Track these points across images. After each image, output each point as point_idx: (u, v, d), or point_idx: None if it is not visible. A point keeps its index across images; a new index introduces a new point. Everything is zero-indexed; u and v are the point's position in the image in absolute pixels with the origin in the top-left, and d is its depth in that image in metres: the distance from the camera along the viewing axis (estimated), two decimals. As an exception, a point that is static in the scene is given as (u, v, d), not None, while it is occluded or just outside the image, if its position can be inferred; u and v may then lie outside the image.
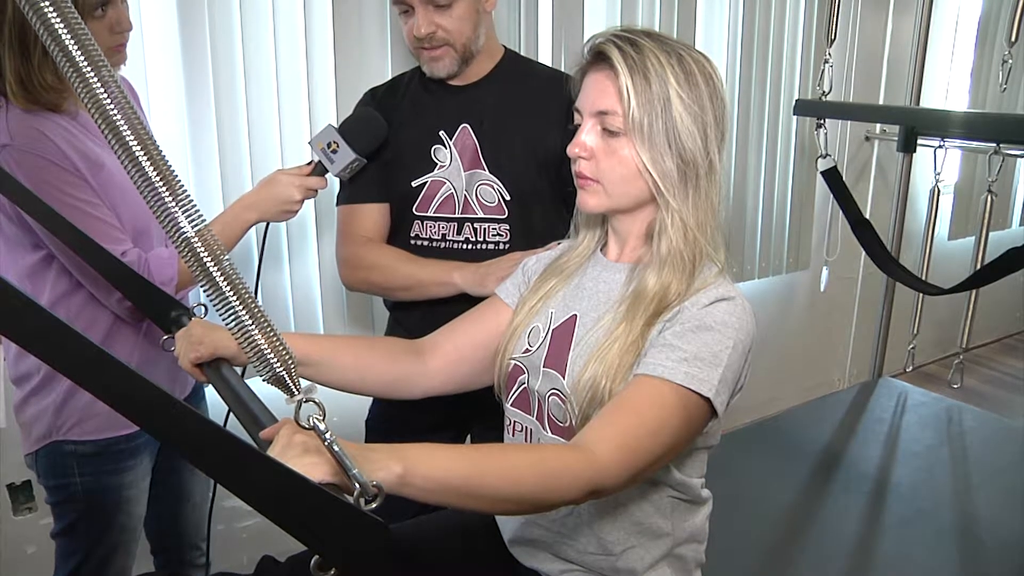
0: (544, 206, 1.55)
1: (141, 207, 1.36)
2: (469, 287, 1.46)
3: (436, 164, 1.54)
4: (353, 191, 1.61)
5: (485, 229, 1.55)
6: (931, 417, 2.55)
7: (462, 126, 1.54)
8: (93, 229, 1.22)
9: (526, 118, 1.53)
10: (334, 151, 1.43)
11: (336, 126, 1.47)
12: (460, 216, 1.55)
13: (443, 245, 1.57)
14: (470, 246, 1.56)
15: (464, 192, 1.54)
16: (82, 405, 1.37)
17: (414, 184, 1.55)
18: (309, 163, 1.47)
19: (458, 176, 1.54)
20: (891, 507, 2.05)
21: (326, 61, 1.96)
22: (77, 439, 1.39)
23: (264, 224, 1.46)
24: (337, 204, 1.64)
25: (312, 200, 1.96)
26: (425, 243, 1.58)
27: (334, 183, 1.62)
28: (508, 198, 1.53)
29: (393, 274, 1.54)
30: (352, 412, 1.74)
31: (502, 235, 1.55)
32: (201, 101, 1.84)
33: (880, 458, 2.29)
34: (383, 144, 1.55)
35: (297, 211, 1.45)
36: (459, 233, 1.56)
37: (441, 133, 1.54)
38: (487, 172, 1.53)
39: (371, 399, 1.74)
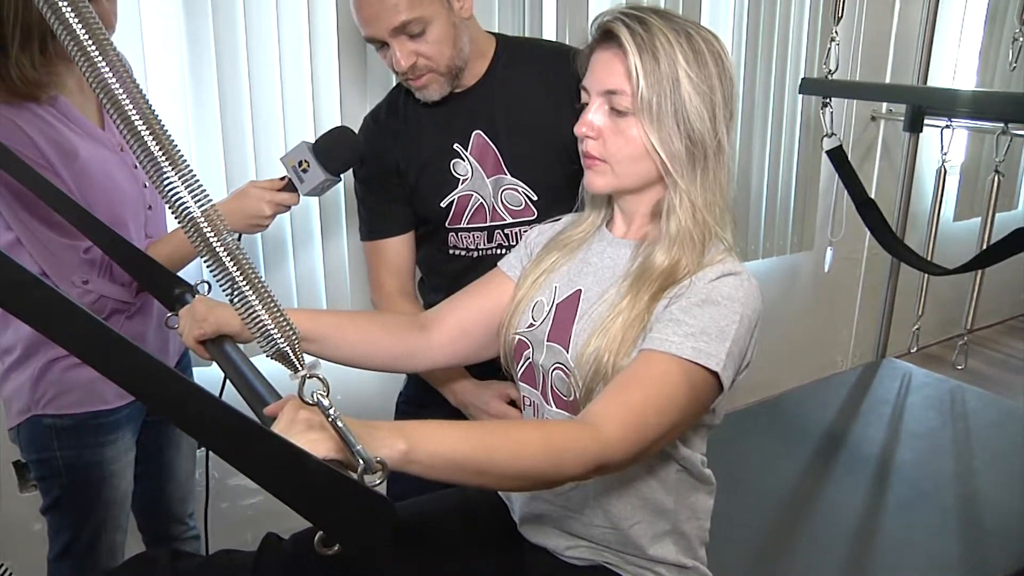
0: (572, 196, 1.49)
1: (117, 200, 1.35)
2: (458, 405, 1.55)
3: (459, 179, 1.50)
4: (374, 226, 1.59)
5: (516, 233, 1.52)
6: (934, 398, 2.54)
7: (475, 133, 1.48)
8: (59, 222, 1.22)
9: (536, 107, 1.48)
10: (305, 170, 1.37)
11: (310, 143, 1.40)
12: (489, 224, 1.52)
13: (476, 254, 1.55)
14: (503, 251, 1.52)
15: (492, 200, 1.50)
16: (59, 379, 1.37)
17: (443, 204, 1.51)
18: (282, 178, 1.41)
19: (483, 185, 1.50)
20: (893, 488, 2.05)
21: (330, 54, 1.94)
22: (55, 413, 1.39)
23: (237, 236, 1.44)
24: (361, 239, 1.62)
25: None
26: (462, 252, 1.56)
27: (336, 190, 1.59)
28: (535, 198, 1.49)
29: None
30: (362, 391, 1.75)
31: None
32: (205, 99, 1.82)
33: (883, 439, 2.29)
34: (399, 172, 1.52)
35: (267, 226, 1.42)
36: (490, 241, 1.53)
37: (456, 146, 1.49)
38: (509, 176, 1.49)
39: (404, 377, 1.74)
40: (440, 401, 1.58)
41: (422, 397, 1.64)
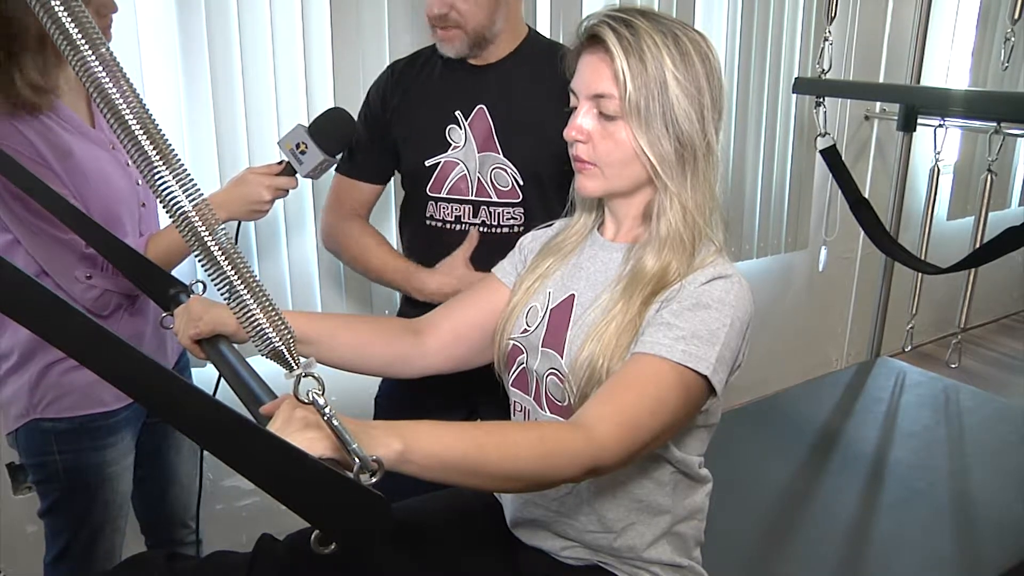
0: (563, 188, 1.50)
1: (111, 195, 1.35)
2: (423, 298, 1.57)
3: (451, 145, 1.54)
4: (355, 167, 1.64)
5: (500, 213, 1.55)
6: (928, 397, 2.55)
7: (478, 107, 1.52)
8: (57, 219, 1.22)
9: (540, 99, 1.51)
10: (303, 152, 1.39)
11: (306, 125, 1.43)
12: (475, 199, 1.55)
13: (458, 227, 1.57)
14: (485, 229, 1.56)
15: (477, 174, 1.53)
16: (57, 382, 1.37)
17: (427, 163, 1.55)
18: (279, 162, 1.43)
19: (472, 157, 1.53)
20: (888, 487, 2.05)
21: (323, 40, 1.94)
22: (54, 416, 1.39)
23: (236, 223, 1.45)
24: (336, 170, 1.65)
25: (311, 182, 1.98)
26: (439, 224, 1.58)
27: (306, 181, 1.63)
28: (522, 182, 1.52)
29: (363, 259, 1.65)
30: (357, 391, 1.75)
31: (516, 219, 1.54)
32: (198, 84, 1.82)
33: (877, 438, 2.29)
34: (396, 120, 1.57)
35: (267, 211, 1.43)
36: (475, 216, 1.56)
37: (457, 113, 1.53)
38: (501, 155, 1.52)
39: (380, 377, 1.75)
40: (418, 398, 1.58)
41: (399, 393, 1.66)
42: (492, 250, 1.51)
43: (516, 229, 1.54)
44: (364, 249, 1.64)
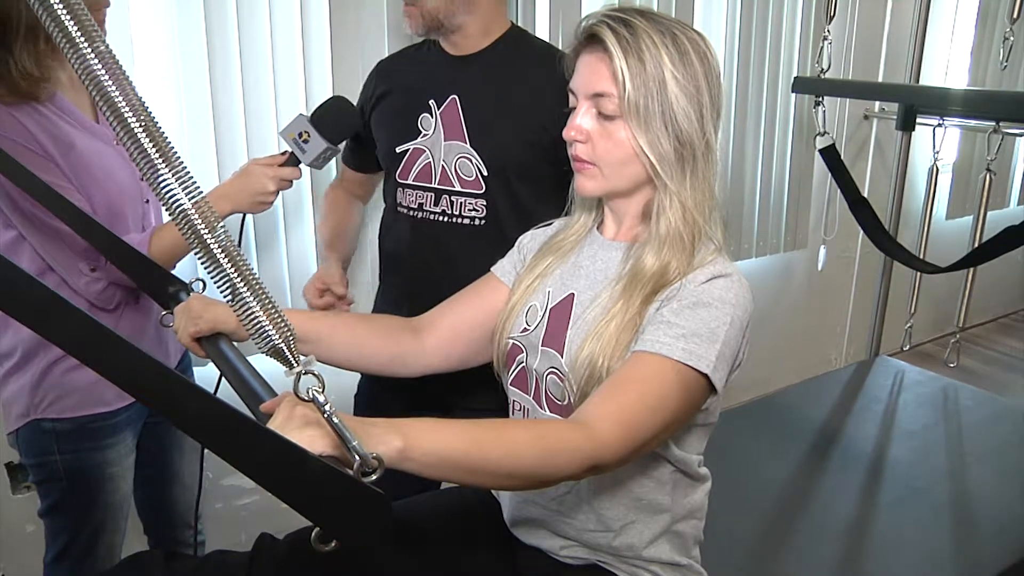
0: (528, 184, 1.53)
1: (115, 190, 1.35)
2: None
3: (420, 132, 1.55)
4: (354, 159, 1.73)
5: (462, 203, 1.55)
6: (927, 396, 2.55)
7: (451, 97, 1.53)
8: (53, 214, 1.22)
9: (518, 95, 1.52)
10: (305, 141, 1.41)
11: (308, 115, 1.44)
12: (437, 187, 1.55)
13: (420, 215, 1.57)
14: (446, 218, 1.56)
15: (442, 162, 1.54)
16: (59, 382, 1.37)
17: (398, 150, 1.57)
18: (283, 153, 1.44)
19: (438, 145, 1.54)
20: (887, 485, 2.05)
21: (322, 33, 1.94)
22: (55, 417, 1.39)
23: (241, 215, 1.46)
24: (343, 161, 1.76)
25: (310, 179, 1.98)
26: (404, 211, 1.59)
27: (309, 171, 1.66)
28: (486, 173, 1.52)
29: (322, 215, 1.80)
30: (346, 391, 1.75)
31: (478, 210, 1.54)
32: (197, 80, 1.82)
33: (876, 437, 2.30)
34: (376, 110, 1.59)
35: (272, 202, 1.43)
36: (436, 204, 1.56)
37: (430, 102, 1.54)
38: (467, 145, 1.52)
39: (359, 376, 1.75)
40: (391, 398, 1.58)
41: (376, 390, 1.68)
42: (451, 241, 1.54)
43: (477, 222, 1.54)
44: (323, 217, 1.79)
